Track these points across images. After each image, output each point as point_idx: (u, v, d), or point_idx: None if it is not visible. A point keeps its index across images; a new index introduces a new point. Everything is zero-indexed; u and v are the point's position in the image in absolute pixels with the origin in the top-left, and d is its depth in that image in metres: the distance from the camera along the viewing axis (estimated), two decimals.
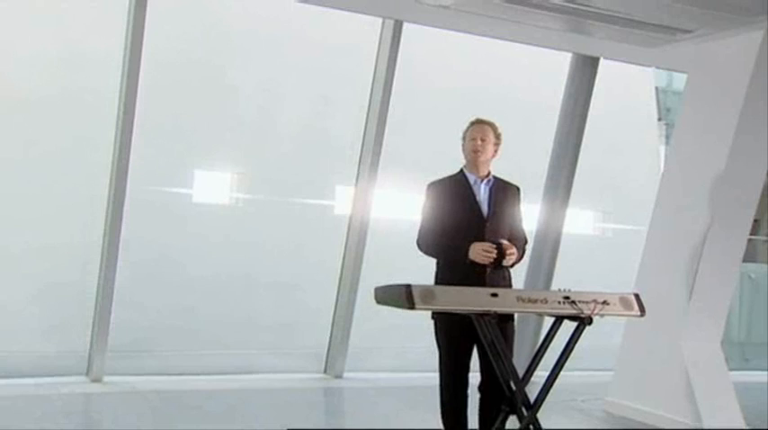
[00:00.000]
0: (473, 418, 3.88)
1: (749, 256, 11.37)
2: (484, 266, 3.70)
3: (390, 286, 3.47)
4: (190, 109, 7.30)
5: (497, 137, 3.91)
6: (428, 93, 8.17)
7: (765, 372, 8.19)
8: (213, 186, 7.47)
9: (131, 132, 5.54)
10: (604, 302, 3.59)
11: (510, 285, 3.83)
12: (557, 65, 6.94)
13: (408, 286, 3.33)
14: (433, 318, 3.83)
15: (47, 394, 5.24)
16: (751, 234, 11.85)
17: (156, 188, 6.88)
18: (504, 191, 3.91)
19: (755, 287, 10.84)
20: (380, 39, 6.08)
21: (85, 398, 5.33)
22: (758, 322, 10.72)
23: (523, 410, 3.55)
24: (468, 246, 3.71)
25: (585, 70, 6.59)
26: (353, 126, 6.83)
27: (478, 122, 3.93)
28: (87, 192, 6.66)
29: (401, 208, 7.55)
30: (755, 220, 11.58)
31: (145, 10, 5.41)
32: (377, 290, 3.58)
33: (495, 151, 3.92)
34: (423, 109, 8.07)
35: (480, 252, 3.69)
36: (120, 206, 5.60)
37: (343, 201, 7.67)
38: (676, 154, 5.86)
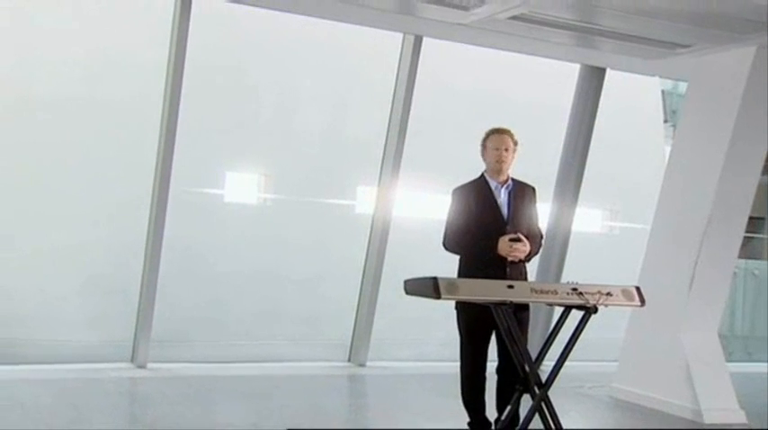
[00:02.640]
0: (490, 400, 4.31)
1: (753, 254, 11.75)
2: (504, 263, 4.09)
3: (418, 278, 3.88)
4: (221, 114, 7.75)
5: (515, 143, 4.28)
6: (444, 97, 8.57)
7: (767, 364, 8.54)
8: (243, 187, 7.93)
9: (174, 136, 5.93)
10: (608, 294, 3.98)
11: (526, 279, 4.24)
12: (566, 71, 7.29)
13: (435, 278, 3.76)
14: (456, 308, 4.25)
15: (99, 378, 5.71)
16: (755, 232, 12.26)
17: (190, 189, 7.31)
18: (522, 192, 4.28)
19: (759, 284, 11.16)
20: (402, 52, 6.49)
21: (134, 381, 5.79)
22: (761, 317, 11.05)
23: (536, 389, 3.96)
24: (495, 242, 4.09)
25: (593, 80, 6.99)
26: (373, 130, 7.25)
27: (499, 132, 4.26)
28: (129, 191, 7.14)
29: (413, 206, 7.94)
30: (759, 219, 11.97)
31: (189, 19, 5.77)
32: (406, 282, 3.97)
33: (514, 156, 4.29)
34: (439, 112, 8.47)
35: (509, 248, 4.06)
36: (164, 205, 6.01)
37: (363, 200, 8.11)
38: (677, 157, 6.23)
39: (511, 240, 4.10)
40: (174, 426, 4.56)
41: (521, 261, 4.18)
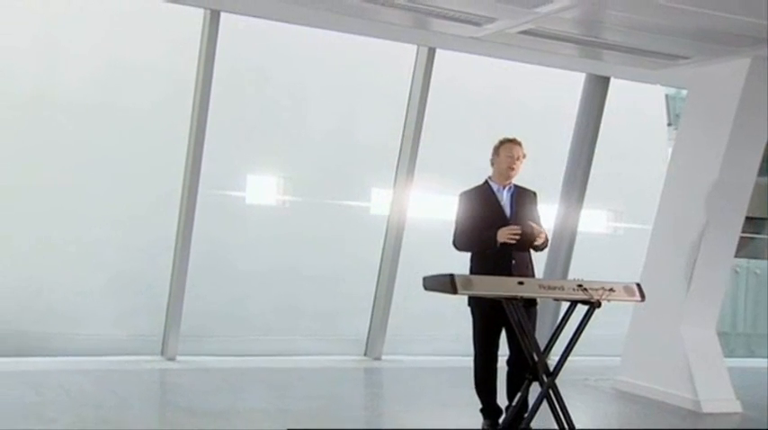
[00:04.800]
0: (501, 388, 4.64)
1: (755, 254, 12.02)
2: (510, 256, 4.43)
3: (436, 275, 4.20)
4: (243, 120, 8.11)
5: (524, 155, 4.63)
6: (455, 102, 8.89)
7: (767, 360, 8.81)
8: (263, 189, 8.30)
9: (203, 142, 6.28)
10: (611, 290, 4.29)
11: (533, 274, 4.60)
12: (573, 78, 7.59)
13: (452, 275, 4.08)
14: (469, 304, 4.59)
15: (133, 369, 6.09)
16: (756, 233, 12.49)
17: (214, 191, 7.66)
18: (523, 196, 4.64)
19: (760, 282, 11.44)
20: (416, 62, 6.83)
21: (166, 372, 6.16)
22: (762, 315, 11.34)
23: (544, 378, 4.27)
24: (496, 233, 4.42)
25: (598, 88, 7.31)
26: (387, 135, 7.58)
27: (513, 142, 4.61)
28: (157, 193, 7.51)
29: (423, 207, 8.25)
30: (761, 220, 12.20)
31: (217, 32, 6.12)
32: (424, 279, 4.29)
33: (521, 167, 4.65)
34: (450, 116, 8.79)
35: (506, 233, 4.40)
36: (193, 207, 6.36)
37: (378, 202, 8.45)
38: (677, 161, 6.55)
39: (515, 226, 4.41)
40: (210, 410, 4.94)
41: (527, 249, 4.51)
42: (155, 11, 7.75)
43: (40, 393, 5.07)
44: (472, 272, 4.56)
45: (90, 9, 7.71)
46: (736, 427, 5.73)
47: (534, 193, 4.70)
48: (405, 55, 7.00)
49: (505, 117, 8.71)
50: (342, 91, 8.76)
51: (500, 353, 4.63)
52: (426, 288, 4.30)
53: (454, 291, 4.07)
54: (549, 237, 4.83)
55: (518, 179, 4.66)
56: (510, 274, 4.37)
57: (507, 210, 4.57)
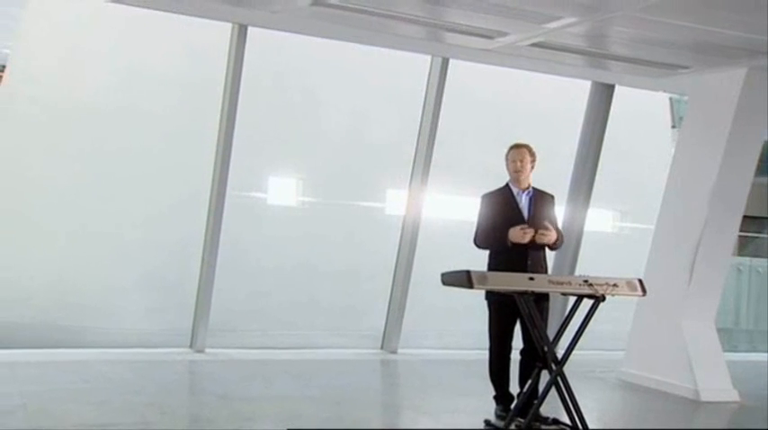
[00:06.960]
0: (513, 378, 5.01)
1: (757, 252, 12.31)
2: (526, 256, 4.78)
3: (454, 272, 4.55)
4: (265, 126, 8.50)
5: (532, 155, 4.97)
6: (467, 107, 9.25)
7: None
8: (284, 191, 8.71)
9: (231, 149, 6.66)
10: (614, 285, 4.63)
11: (546, 269, 4.96)
12: (580, 85, 7.89)
13: (468, 271, 4.44)
14: (486, 299, 4.94)
15: (166, 360, 6.47)
16: (758, 232, 12.70)
17: (238, 192, 8.05)
18: (541, 199, 4.99)
19: (762, 280, 11.73)
20: (430, 71, 7.17)
21: (197, 363, 6.55)
22: (764, 312, 11.64)
23: (552, 366, 4.62)
24: (507, 233, 4.75)
25: (603, 95, 7.63)
26: (401, 139, 7.94)
27: (517, 147, 4.96)
28: (184, 195, 7.91)
29: (430, 207, 8.56)
30: (763, 219, 12.46)
31: (245, 45, 6.47)
32: (443, 274, 4.64)
33: (532, 167, 4.98)
34: (463, 122, 9.14)
35: (518, 232, 4.74)
36: (221, 207, 6.72)
37: (392, 203, 8.83)
38: (678, 164, 6.88)
39: (524, 226, 4.76)
40: (242, 396, 5.34)
41: (543, 245, 4.86)
42: (176, 18, 8.14)
43: (87, 380, 5.47)
44: (490, 265, 4.91)
45: (115, 18, 8.10)
46: (734, 425, 6.02)
47: (552, 197, 5.03)
48: (418, 60, 7.29)
49: (515, 122, 9.08)
50: (357, 95, 9.13)
51: (514, 344, 4.97)
52: (444, 283, 4.64)
53: (470, 285, 4.41)
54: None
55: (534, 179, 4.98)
56: (524, 266, 4.72)
57: (525, 213, 4.90)
